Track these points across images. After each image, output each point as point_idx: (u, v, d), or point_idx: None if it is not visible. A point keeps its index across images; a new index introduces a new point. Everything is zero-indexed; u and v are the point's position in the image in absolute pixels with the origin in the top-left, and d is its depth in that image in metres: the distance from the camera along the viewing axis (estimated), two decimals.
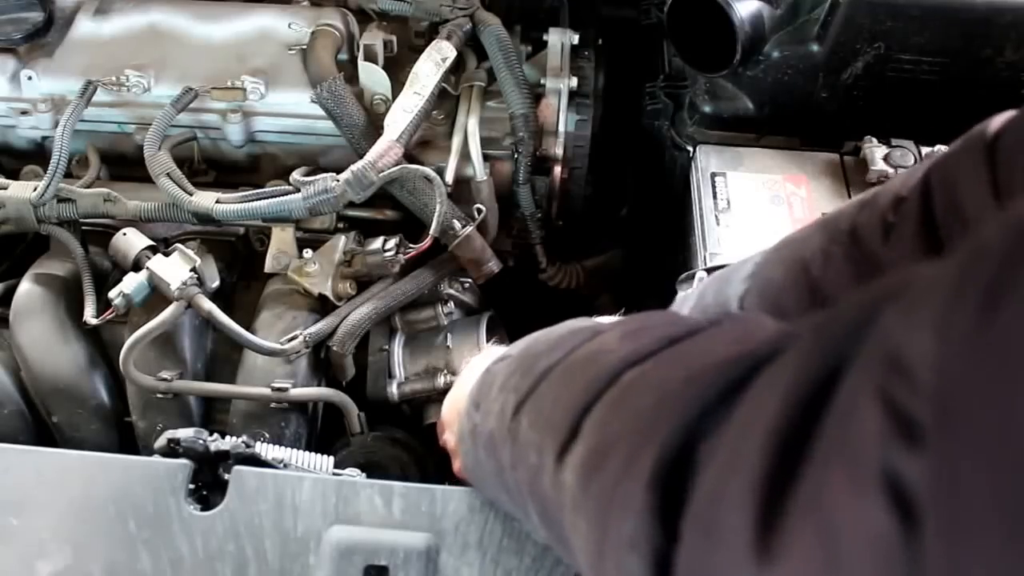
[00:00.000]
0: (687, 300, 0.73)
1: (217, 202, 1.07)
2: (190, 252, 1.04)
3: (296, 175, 1.09)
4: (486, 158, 1.17)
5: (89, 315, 1.05)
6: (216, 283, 1.07)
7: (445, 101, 1.20)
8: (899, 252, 0.54)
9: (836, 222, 0.61)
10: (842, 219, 0.60)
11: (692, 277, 0.92)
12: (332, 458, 0.90)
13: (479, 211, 1.16)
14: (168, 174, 1.09)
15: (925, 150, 1.09)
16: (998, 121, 0.52)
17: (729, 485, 0.32)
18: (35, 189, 1.09)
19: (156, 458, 0.82)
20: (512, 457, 0.54)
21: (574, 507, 0.43)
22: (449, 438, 0.83)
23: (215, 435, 0.83)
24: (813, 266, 0.60)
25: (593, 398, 0.44)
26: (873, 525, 0.25)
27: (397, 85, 1.16)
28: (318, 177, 1.06)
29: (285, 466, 0.84)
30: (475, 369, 0.80)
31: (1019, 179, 0.48)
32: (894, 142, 1.10)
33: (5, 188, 1.11)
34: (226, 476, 0.80)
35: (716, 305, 0.67)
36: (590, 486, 0.41)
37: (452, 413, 0.81)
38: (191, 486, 0.79)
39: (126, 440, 1.09)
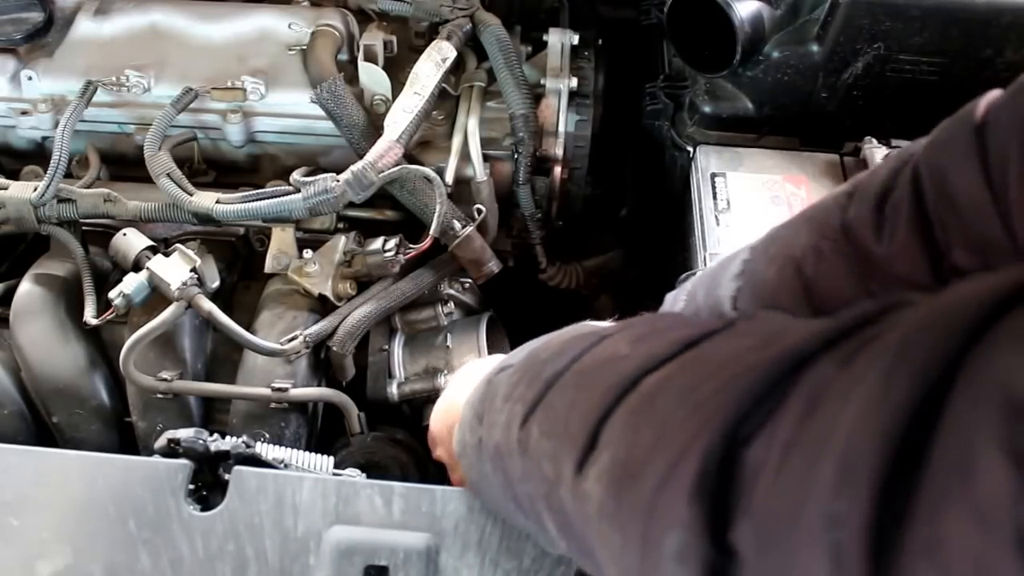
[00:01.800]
0: (676, 301, 0.71)
1: (217, 202, 1.07)
2: (190, 252, 1.04)
3: (296, 175, 1.09)
4: (486, 158, 1.17)
5: (89, 315, 1.05)
6: (216, 283, 1.07)
7: (445, 101, 1.20)
8: (894, 247, 0.53)
9: (824, 217, 0.59)
10: (830, 214, 0.58)
11: (692, 277, 0.91)
12: (332, 458, 0.90)
13: (479, 211, 1.16)
14: (168, 174, 1.09)
15: None
16: (984, 103, 0.50)
17: (805, 510, 0.30)
18: (35, 189, 1.09)
19: (156, 458, 0.82)
20: (522, 469, 0.52)
21: (603, 517, 0.42)
22: (442, 454, 0.81)
23: (215, 435, 0.83)
24: (805, 264, 0.58)
25: (611, 405, 0.43)
26: None
27: (397, 85, 1.16)
28: (318, 177, 1.06)
29: (285, 466, 0.84)
30: (463, 381, 0.78)
31: (1013, 165, 0.46)
32: (894, 142, 1.10)
33: (5, 188, 1.11)
34: (226, 476, 0.80)
35: (708, 307, 0.65)
36: (623, 497, 0.40)
37: (443, 428, 0.79)
38: (191, 486, 0.79)
39: (126, 440, 1.09)
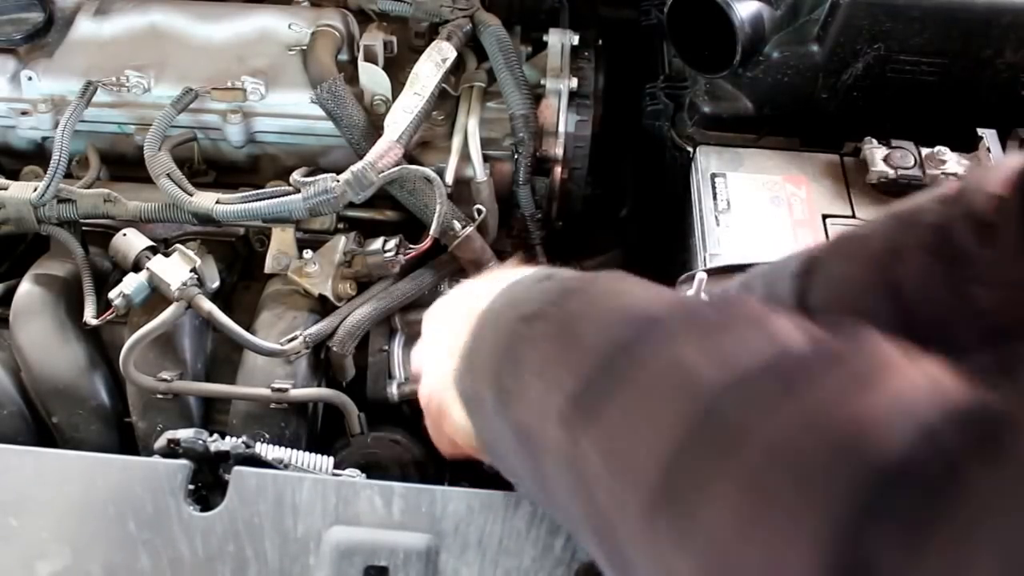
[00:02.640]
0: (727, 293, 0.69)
1: (217, 203, 1.07)
2: (190, 252, 1.04)
3: (296, 176, 1.09)
4: (486, 159, 1.17)
5: (89, 315, 1.05)
6: (216, 283, 1.07)
7: (445, 102, 1.20)
8: (1001, 253, 0.51)
9: (914, 218, 0.56)
10: (922, 215, 0.56)
11: (692, 278, 0.92)
12: (332, 459, 0.90)
13: (479, 212, 1.16)
14: (168, 175, 1.09)
15: (925, 151, 1.09)
16: None
17: None
18: (35, 189, 1.09)
19: (156, 458, 0.82)
20: (571, 483, 0.46)
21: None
22: (424, 390, 0.69)
23: (215, 435, 0.83)
24: (892, 264, 0.56)
25: (684, 441, 0.38)
26: None
27: (397, 86, 1.16)
28: (318, 178, 1.06)
29: (285, 466, 0.84)
30: (444, 310, 0.68)
31: None
32: (894, 143, 1.10)
33: (5, 188, 1.11)
34: (226, 476, 0.80)
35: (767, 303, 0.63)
36: None
37: (430, 363, 0.67)
38: (191, 487, 0.79)
39: (126, 440, 1.09)
